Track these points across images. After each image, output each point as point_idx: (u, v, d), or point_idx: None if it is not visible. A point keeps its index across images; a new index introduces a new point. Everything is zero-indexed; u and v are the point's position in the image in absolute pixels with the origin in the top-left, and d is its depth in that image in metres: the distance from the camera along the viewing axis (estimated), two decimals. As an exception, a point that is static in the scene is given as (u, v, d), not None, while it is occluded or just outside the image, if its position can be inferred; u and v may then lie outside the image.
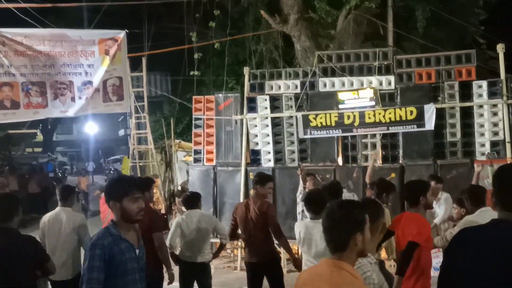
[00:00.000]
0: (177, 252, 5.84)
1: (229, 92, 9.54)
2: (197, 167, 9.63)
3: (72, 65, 8.76)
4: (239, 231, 5.85)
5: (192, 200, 5.99)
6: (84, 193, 16.02)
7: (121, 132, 34.96)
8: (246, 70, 9.41)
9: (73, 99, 8.84)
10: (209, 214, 6.30)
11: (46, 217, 5.53)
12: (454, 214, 5.84)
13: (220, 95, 9.56)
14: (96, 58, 8.91)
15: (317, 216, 4.51)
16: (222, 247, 6.11)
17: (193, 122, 9.78)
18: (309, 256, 4.63)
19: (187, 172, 10.12)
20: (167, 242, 5.70)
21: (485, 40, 9.84)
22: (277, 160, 9.08)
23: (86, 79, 8.93)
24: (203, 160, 9.59)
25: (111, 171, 31.03)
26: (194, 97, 9.86)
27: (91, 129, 32.25)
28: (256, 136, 9.24)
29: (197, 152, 9.70)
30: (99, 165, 36.14)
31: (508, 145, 7.72)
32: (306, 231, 4.65)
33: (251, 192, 9.07)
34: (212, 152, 9.54)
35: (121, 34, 9.15)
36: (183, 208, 6.19)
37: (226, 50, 11.26)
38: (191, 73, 10.67)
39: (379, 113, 8.37)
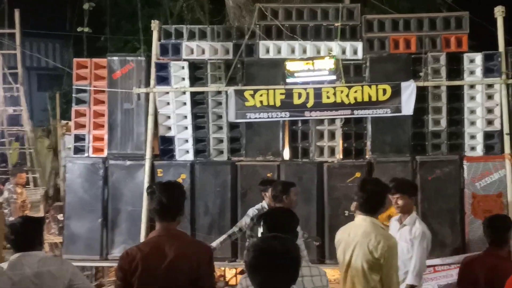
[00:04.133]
0: None
1: (129, 55, 6.72)
2: (79, 159, 6.68)
3: None
4: None
5: (24, 235, 3.17)
6: None
7: (10, 110, 29.75)
8: (154, 24, 6.68)
9: None
10: (59, 259, 3.49)
11: None
12: None
13: (115, 58, 6.71)
14: None
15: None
16: None
17: (74, 95, 6.80)
18: None
19: (64, 166, 7.10)
20: None
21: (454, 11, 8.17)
22: (198, 152, 6.50)
23: None
24: (89, 150, 6.67)
25: (-4, 157, 25.78)
26: (75, 59, 6.88)
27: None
28: (169, 118, 6.57)
29: (79, 138, 6.74)
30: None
31: (506, 138, 5.93)
32: None
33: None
34: (102, 139, 6.69)
35: None
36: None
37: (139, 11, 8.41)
38: (79, 29, 7.66)
39: (341, 91, 6.18)
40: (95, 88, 6.68)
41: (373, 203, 3.36)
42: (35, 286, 3.07)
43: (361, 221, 3.37)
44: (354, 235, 3.33)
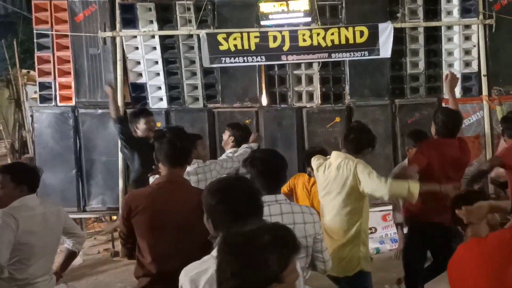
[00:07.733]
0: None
1: (91, -5, 6.27)
2: (47, 109, 6.36)
3: None
4: None
5: (29, 175, 3.17)
6: None
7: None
8: (115, -40, 6.21)
9: None
10: (51, 201, 3.61)
11: None
12: None
13: (76, -1, 6.24)
14: None
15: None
16: (72, 258, 3.45)
17: (35, 40, 6.37)
18: None
19: (32, 117, 6.77)
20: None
21: None
22: (172, 99, 6.27)
23: None
24: (56, 99, 6.34)
25: None
26: (34, 1, 6.36)
27: None
28: (138, 63, 6.26)
29: (45, 86, 6.39)
30: None
31: (483, 79, 5.93)
32: None
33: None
34: (69, 87, 6.34)
35: None
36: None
37: None
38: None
39: (318, 34, 5.98)
40: (57, 33, 6.25)
41: (358, 145, 3.48)
42: (42, 228, 3.04)
43: (336, 156, 3.50)
44: (329, 172, 3.49)
